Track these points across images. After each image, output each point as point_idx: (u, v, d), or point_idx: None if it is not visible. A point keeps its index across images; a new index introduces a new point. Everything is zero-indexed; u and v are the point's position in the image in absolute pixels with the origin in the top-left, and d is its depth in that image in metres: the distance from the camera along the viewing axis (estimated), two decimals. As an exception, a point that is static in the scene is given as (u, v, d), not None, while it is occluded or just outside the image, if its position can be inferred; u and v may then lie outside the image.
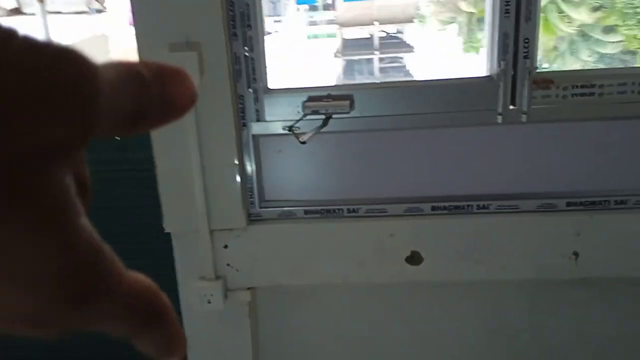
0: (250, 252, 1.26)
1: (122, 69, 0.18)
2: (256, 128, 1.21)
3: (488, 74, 1.16)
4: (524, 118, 1.14)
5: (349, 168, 1.26)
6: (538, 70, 1.13)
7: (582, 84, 1.12)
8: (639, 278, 1.22)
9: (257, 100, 1.19)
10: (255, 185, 1.24)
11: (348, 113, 1.15)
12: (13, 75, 0.15)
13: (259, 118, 1.20)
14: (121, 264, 0.18)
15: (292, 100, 1.18)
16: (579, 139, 1.20)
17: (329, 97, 1.16)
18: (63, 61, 0.16)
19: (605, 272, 1.21)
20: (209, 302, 1.25)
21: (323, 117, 1.17)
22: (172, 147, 1.17)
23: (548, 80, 1.13)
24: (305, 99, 1.18)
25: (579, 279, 1.23)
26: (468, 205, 1.23)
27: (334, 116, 1.17)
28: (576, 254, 1.20)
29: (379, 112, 1.18)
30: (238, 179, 1.19)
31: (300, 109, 1.18)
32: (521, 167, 1.22)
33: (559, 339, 1.34)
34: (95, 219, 0.19)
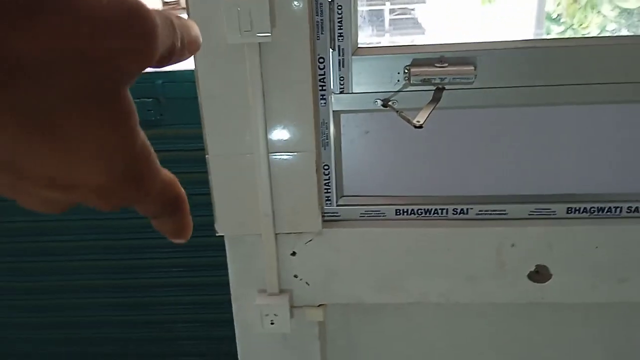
0: (325, 261, 0.97)
1: (160, 13, 0.22)
2: (340, 102, 0.90)
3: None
4: None
5: (456, 155, 0.95)
6: None
7: None
8: None
9: (342, 64, 0.88)
10: (333, 176, 0.95)
11: (471, 83, 0.84)
12: (104, 17, 0.19)
13: (344, 89, 0.89)
14: (155, 157, 0.24)
15: (389, 65, 0.87)
16: None
17: (442, 60, 0.85)
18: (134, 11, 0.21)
19: None
20: (272, 323, 0.98)
21: (433, 88, 0.86)
22: (230, 126, 0.87)
23: None
24: (408, 62, 0.86)
25: None
26: (616, 208, 0.93)
27: (447, 87, 0.86)
28: None
29: (507, 82, 0.86)
30: (313, 168, 0.90)
31: (400, 77, 0.87)
32: (693, 159, 0.92)
33: None
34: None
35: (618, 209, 0.93)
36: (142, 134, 0.23)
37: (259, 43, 0.81)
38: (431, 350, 1.09)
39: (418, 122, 0.76)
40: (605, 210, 0.93)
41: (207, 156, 0.89)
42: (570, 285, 0.95)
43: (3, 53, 0.18)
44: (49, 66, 0.19)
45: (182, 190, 0.26)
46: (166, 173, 0.26)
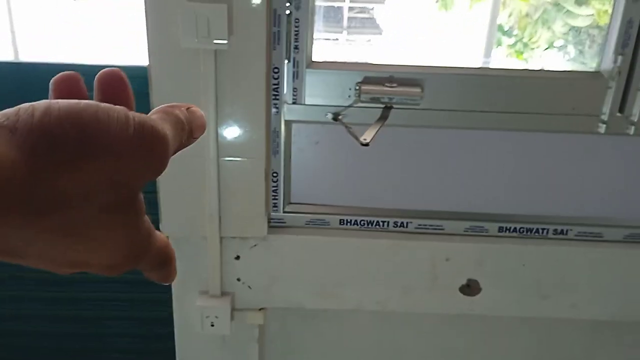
0: (268, 266, 0.99)
1: (172, 119, 0.28)
2: (292, 112, 0.92)
3: (597, 70, 0.91)
4: (631, 130, 0.90)
5: (400, 171, 1.00)
6: (660, 71, 0.88)
7: None
8: None
9: (296, 75, 0.90)
10: (281, 183, 0.97)
11: (418, 104, 0.88)
12: (130, 151, 0.25)
13: (297, 99, 0.91)
14: (154, 231, 0.29)
15: (342, 80, 0.90)
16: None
17: (392, 80, 0.89)
18: (155, 141, 0.26)
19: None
20: (212, 325, 0.99)
21: (381, 106, 0.90)
22: (180, 128, 0.87)
23: (672, 86, 0.89)
24: (359, 79, 0.90)
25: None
26: (543, 229, 1.00)
27: (395, 106, 0.90)
28: (663, 296, 1.00)
29: (451, 105, 0.91)
30: (262, 174, 0.92)
31: (351, 93, 0.90)
32: (613, 188, 0.99)
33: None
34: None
35: (545, 230, 1.00)
36: (146, 219, 0.28)
37: (215, 49, 0.82)
38: (366, 356, 1.13)
39: (365, 140, 0.79)
40: (534, 231, 1.00)
41: (156, 156, 0.89)
42: (497, 299, 1.01)
43: (52, 190, 0.23)
44: (87, 194, 0.24)
45: (172, 249, 0.31)
46: (160, 237, 0.30)
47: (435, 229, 1.00)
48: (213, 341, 1.05)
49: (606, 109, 0.90)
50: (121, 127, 0.24)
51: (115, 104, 0.26)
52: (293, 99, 0.91)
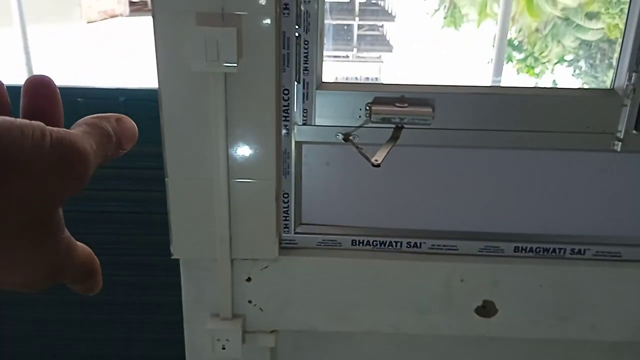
0: (280, 287, 0.98)
1: (97, 132, 0.27)
2: (302, 133, 0.92)
3: (611, 87, 0.89)
4: (648, 147, 0.88)
5: (413, 191, 0.99)
6: (676, 87, 0.86)
7: None
8: None
9: (306, 96, 0.90)
10: (292, 204, 0.97)
11: (429, 124, 0.88)
12: (45, 167, 0.24)
13: (307, 120, 0.91)
14: (75, 244, 0.28)
15: (351, 101, 0.90)
16: None
17: (403, 100, 0.88)
18: (71, 156, 0.25)
19: None
20: (224, 348, 0.98)
21: (392, 126, 0.89)
22: (191, 150, 0.88)
23: (688, 102, 0.87)
24: (370, 99, 0.89)
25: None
26: (560, 249, 0.98)
27: (406, 126, 0.89)
28: (686, 317, 0.97)
29: (463, 125, 0.90)
30: (273, 196, 0.91)
31: (362, 113, 0.90)
32: (631, 206, 0.97)
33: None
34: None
35: (562, 250, 0.98)
36: (65, 234, 0.27)
37: (225, 72, 0.83)
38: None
39: (376, 160, 0.78)
40: (550, 251, 0.98)
41: (166, 179, 0.90)
42: (514, 321, 0.99)
43: None
44: (1, 212, 0.23)
45: (96, 260, 0.30)
46: (82, 250, 0.29)
47: (449, 249, 0.98)
48: (225, 364, 1.03)
49: (621, 126, 0.88)
50: (36, 144, 0.23)
51: (41, 112, 0.25)
52: (303, 120, 0.91)
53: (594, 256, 0.97)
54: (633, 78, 0.86)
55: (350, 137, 0.91)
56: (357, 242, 0.99)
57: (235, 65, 0.81)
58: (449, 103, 0.89)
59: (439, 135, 0.90)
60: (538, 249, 0.98)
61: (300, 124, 0.91)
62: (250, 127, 0.87)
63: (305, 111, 0.91)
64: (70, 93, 1.09)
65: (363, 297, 0.99)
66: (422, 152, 0.96)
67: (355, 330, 1.02)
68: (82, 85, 1.12)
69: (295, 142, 0.93)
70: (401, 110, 0.87)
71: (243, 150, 0.88)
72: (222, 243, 0.92)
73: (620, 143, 0.89)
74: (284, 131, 0.91)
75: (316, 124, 0.91)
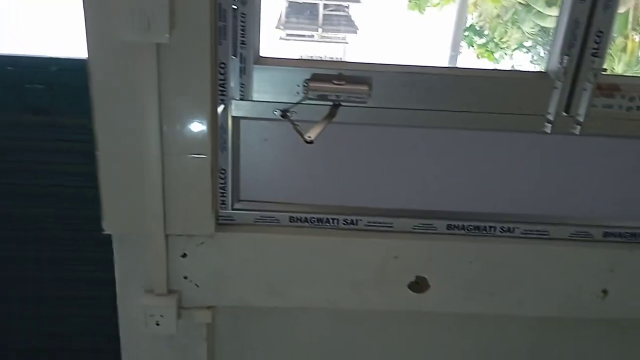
0: (216, 263, 0.98)
1: None
2: (239, 108, 0.91)
3: (543, 70, 0.91)
4: (577, 129, 0.92)
5: (350, 168, 0.99)
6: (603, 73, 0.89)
7: (653, 95, 0.91)
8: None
9: (243, 71, 0.88)
10: (229, 180, 0.96)
11: (366, 102, 0.88)
12: None
13: (244, 96, 0.90)
14: None
15: (290, 77, 0.89)
16: (630, 160, 0.99)
17: (341, 77, 0.88)
18: None
19: (632, 314, 1.04)
20: (158, 324, 0.97)
21: (330, 103, 0.89)
22: (123, 123, 0.85)
23: (614, 87, 0.90)
24: (308, 76, 0.89)
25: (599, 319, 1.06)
26: (491, 227, 1.01)
27: (343, 104, 0.89)
28: (605, 292, 1.02)
29: (399, 104, 0.91)
30: (208, 171, 0.90)
31: (299, 90, 0.89)
32: (559, 187, 1.01)
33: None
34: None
35: (493, 228, 1.01)
36: None
37: (157, 43, 0.80)
38: (316, 353, 1.13)
39: (309, 137, 0.78)
40: (481, 229, 1.01)
41: (97, 152, 0.87)
42: (445, 297, 1.02)
43: None
44: None
45: None
46: None
47: (385, 226, 1.00)
48: (160, 340, 1.03)
49: (552, 108, 0.91)
50: None
51: None
52: (240, 95, 0.90)
53: (523, 234, 1.01)
54: (565, 61, 0.88)
55: (288, 114, 0.90)
56: (295, 219, 0.99)
57: (167, 35, 0.78)
58: (386, 82, 0.89)
59: (375, 113, 0.91)
60: (470, 227, 1.00)
61: (238, 99, 0.90)
62: (184, 101, 0.85)
63: (242, 86, 0.89)
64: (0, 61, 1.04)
65: (299, 273, 0.99)
66: (361, 130, 0.96)
67: (292, 306, 1.03)
68: (12, 53, 1.07)
69: (232, 117, 0.91)
70: (338, 88, 0.86)
71: (177, 124, 0.86)
72: (156, 218, 0.90)
73: (550, 125, 0.92)
74: (220, 106, 0.90)
75: (254, 99, 0.90)
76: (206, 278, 0.99)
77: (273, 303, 1.03)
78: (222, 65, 0.87)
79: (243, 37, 0.86)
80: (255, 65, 0.88)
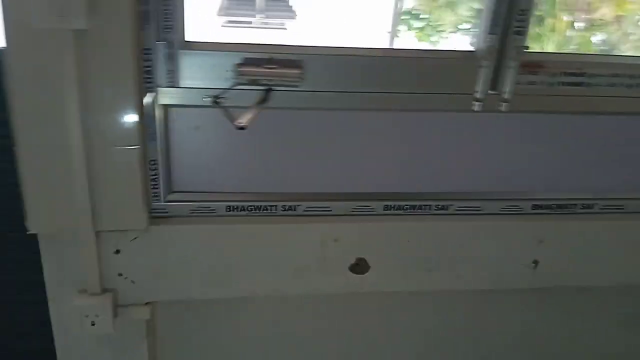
0: (152, 258, 0.95)
1: None
2: (168, 96, 0.87)
3: (471, 50, 0.94)
4: (504, 107, 0.94)
5: (285, 154, 0.98)
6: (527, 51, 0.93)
7: (572, 71, 0.95)
8: (594, 286, 1.12)
9: (170, 57, 0.85)
10: (161, 171, 0.92)
11: (298, 86, 0.87)
12: None
13: (173, 82, 0.87)
14: None
15: (220, 61, 0.87)
16: (554, 134, 1.04)
17: (272, 61, 0.86)
18: None
19: (562, 281, 1.10)
20: (93, 324, 0.93)
21: (262, 88, 0.87)
22: (43, 116, 0.80)
23: (538, 64, 0.94)
24: (239, 61, 0.87)
25: (532, 288, 1.10)
26: (426, 206, 1.03)
27: (275, 88, 0.87)
28: (536, 263, 1.07)
29: (333, 87, 0.91)
30: (137, 163, 0.87)
31: (230, 75, 0.87)
32: (489, 163, 1.04)
33: (500, 347, 1.22)
34: None
35: (428, 207, 1.03)
36: None
37: (74, 30, 0.75)
38: (263, 343, 1.12)
39: (240, 122, 0.76)
40: (417, 208, 1.02)
41: (15, 148, 0.81)
42: (386, 276, 1.04)
43: None
44: None
45: None
46: None
47: (323, 210, 1.00)
48: (97, 341, 0.99)
49: (480, 87, 0.93)
50: None
51: None
52: (168, 82, 0.86)
53: (457, 211, 1.03)
54: (490, 40, 0.90)
55: (219, 100, 0.88)
56: (232, 208, 0.97)
57: (84, 21, 0.74)
58: (319, 65, 0.88)
59: (309, 97, 0.90)
60: (406, 207, 1.02)
61: (166, 86, 0.87)
62: (108, 90, 0.81)
63: (170, 72, 0.86)
64: None
65: (240, 263, 0.98)
66: (296, 115, 0.95)
67: (234, 296, 1.01)
68: None
69: (161, 105, 0.88)
70: (269, 72, 0.85)
71: (101, 115, 0.82)
72: (83, 215, 0.86)
73: (479, 103, 0.94)
74: (147, 94, 0.86)
75: (183, 86, 0.87)
76: (142, 274, 0.96)
77: (215, 295, 1.01)
78: (147, 52, 0.84)
79: (168, 21, 0.83)
80: (182, 51, 0.85)
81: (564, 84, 0.95)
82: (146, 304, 0.99)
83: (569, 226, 1.05)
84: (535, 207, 1.06)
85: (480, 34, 0.91)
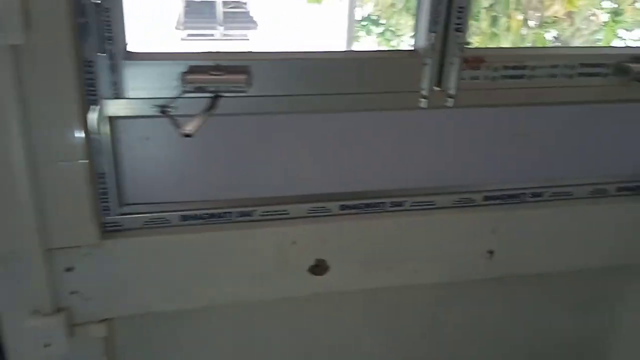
0: (106, 274, 0.93)
1: None
2: (113, 107, 0.86)
3: (413, 48, 0.96)
4: (450, 102, 0.97)
5: (238, 160, 0.98)
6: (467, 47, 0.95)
7: (513, 64, 0.98)
8: (549, 272, 1.16)
9: (113, 68, 0.84)
10: (111, 184, 0.91)
11: (245, 92, 0.87)
12: None
13: (118, 94, 0.86)
14: None
15: (164, 71, 0.86)
16: (501, 127, 1.07)
17: (218, 68, 0.86)
18: None
19: (517, 270, 1.13)
20: (47, 345, 0.91)
21: (210, 95, 0.87)
22: (-20, 135, 0.78)
23: (479, 59, 0.96)
24: (184, 69, 0.86)
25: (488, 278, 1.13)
26: (381, 203, 1.04)
27: (223, 95, 0.87)
28: (491, 253, 1.09)
29: (280, 91, 0.91)
30: (84, 177, 0.85)
31: (177, 83, 0.86)
32: (440, 159, 1.06)
33: (462, 338, 1.25)
34: None
35: (383, 204, 1.04)
36: None
37: (12, 45, 0.74)
38: (228, 351, 1.12)
39: (187, 130, 0.76)
40: (373, 206, 1.04)
41: (-46, 168, 0.79)
42: (346, 275, 1.04)
43: None
44: None
45: None
46: None
47: (280, 214, 1.00)
48: (53, 362, 0.96)
49: (425, 84, 0.95)
50: None
51: None
52: (114, 93, 0.85)
53: (411, 207, 1.05)
54: (432, 37, 0.92)
55: (167, 109, 0.87)
56: (187, 217, 0.97)
57: (21, 36, 0.73)
58: (265, 70, 0.89)
59: (257, 102, 0.90)
60: (362, 205, 1.03)
61: (111, 97, 0.85)
62: (49, 105, 0.79)
63: (114, 84, 0.85)
64: None
65: (198, 272, 0.97)
66: (248, 120, 0.96)
67: (195, 307, 1.01)
68: None
69: (107, 117, 0.87)
70: (216, 79, 0.85)
71: (45, 130, 0.81)
72: (31, 233, 0.84)
73: (425, 100, 0.96)
74: (91, 107, 0.85)
75: (129, 97, 0.86)
76: (97, 290, 0.94)
77: (174, 306, 1.00)
78: (89, 64, 0.83)
79: (109, 32, 0.82)
80: (126, 61, 0.84)
81: (506, 77, 0.98)
82: (103, 320, 0.97)
83: (520, 215, 1.08)
84: (486, 198, 1.08)
85: (420, 33, 0.93)
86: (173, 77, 0.86)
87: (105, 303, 0.95)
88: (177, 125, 0.79)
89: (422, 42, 0.93)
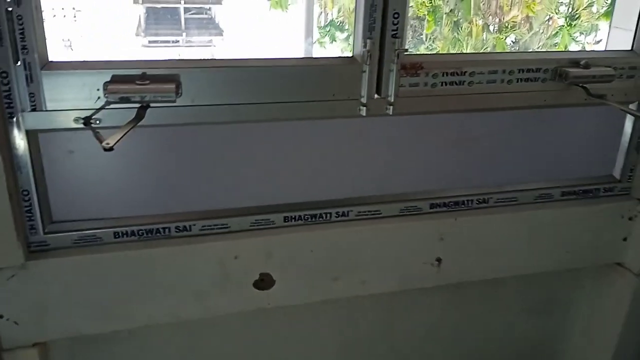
0: (34, 295, 0.88)
1: None
2: (32, 120, 0.81)
3: (351, 55, 0.93)
4: (390, 110, 0.95)
5: (174, 172, 0.94)
6: (406, 53, 0.93)
7: (452, 70, 0.97)
8: (498, 278, 1.15)
9: (30, 79, 0.79)
10: (35, 201, 0.86)
11: (174, 101, 0.83)
12: None
13: (36, 106, 0.81)
14: None
15: (88, 81, 0.82)
16: (445, 133, 1.05)
17: (145, 77, 0.83)
18: None
19: (466, 276, 1.11)
20: (-29, 375, 0.85)
21: (137, 105, 0.83)
22: None
23: (417, 65, 0.95)
24: (108, 78, 0.82)
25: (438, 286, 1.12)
26: (326, 214, 1.01)
27: (152, 105, 0.84)
28: (439, 260, 1.08)
29: (213, 100, 0.88)
30: (5, 195, 0.80)
31: (100, 94, 0.82)
32: (384, 167, 1.04)
33: (416, 346, 1.23)
34: None
35: (328, 215, 1.01)
36: None
37: None
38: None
39: (108, 144, 0.72)
40: (318, 217, 1.01)
41: None
42: (292, 289, 1.01)
43: None
44: None
45: None
46: None
47: (221, 227, 0.97)
48: (-23, 393, 0.90)
49: (364, 92, 0.93)
50: None
51: None
52: (32, 105, 0.81)
53: (357, 216, 1.03)
54: (368, 45, 0.90)
55: (92, 121, 0.83)
56: (120, 234, 0.92)
57: None
58: (195, 79, 0.85)
59: (190, 112, 0.87)
60: (306, 217, 1.00)
61: (29, 110, 0.81)
62: (-40, 119, 0.74)
63: (32, 95, 0.80)
64: None
65: (134, 291, 0.93)
66: (183, 130, 0.92)
67: (130, 327, 0.96)
68: None
69: (26, 131, 0.82)
70: (142, 88, 0.81)
71: (-43, 147, 0.75)
72: (-55, 257, 0.78)
73: (365, 108, 0.94)
74: (8, 120, 0.80)
75: (48, 109, 0.81)
76: (26, 313, 0.89)
77: (111, 327, 0.95)
78: (4, 75, 0.78)
79: (23, 41, 0.77)
80: (44, 71, 0.79)
81: (445, 83, 0.97)
82: (35, 344, 0.91)
83: (467, 221, 1.07)
84: (433, 205, 1.07)
85: (357, 39, 0.91)
86: (95, 88, 0.82)
87: (35, 326, 0.90)
88: (99, 139, 0.75)
89: (359, 49, 0.91)
